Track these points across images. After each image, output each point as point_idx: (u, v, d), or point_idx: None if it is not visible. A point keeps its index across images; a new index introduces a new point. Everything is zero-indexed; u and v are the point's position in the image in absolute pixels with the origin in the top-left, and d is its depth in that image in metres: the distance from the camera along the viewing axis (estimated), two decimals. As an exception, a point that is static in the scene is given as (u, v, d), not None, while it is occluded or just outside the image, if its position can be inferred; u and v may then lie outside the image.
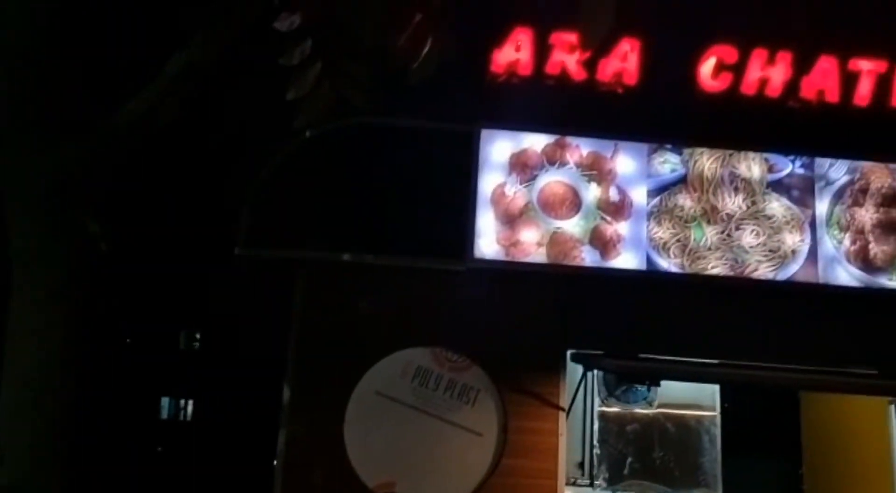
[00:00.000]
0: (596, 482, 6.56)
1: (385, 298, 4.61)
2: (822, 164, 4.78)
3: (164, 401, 24.32)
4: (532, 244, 4.54)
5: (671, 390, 6.73)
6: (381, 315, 4.62)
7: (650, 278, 4.60)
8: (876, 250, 4.65)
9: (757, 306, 4.64)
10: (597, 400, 6.73)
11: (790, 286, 4.59)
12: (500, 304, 4.66)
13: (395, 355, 4.61)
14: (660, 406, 6.77)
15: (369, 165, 4.59)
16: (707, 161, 4.74)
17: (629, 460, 6.63)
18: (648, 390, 6.87)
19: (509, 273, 4.58)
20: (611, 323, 4.66)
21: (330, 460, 4.41)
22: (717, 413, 6.66)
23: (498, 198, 4.57)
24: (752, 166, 4.74)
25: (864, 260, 4.64)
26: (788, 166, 4.76)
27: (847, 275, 4.63)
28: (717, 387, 6.88)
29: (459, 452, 4.53)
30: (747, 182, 4.72)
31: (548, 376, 4.66)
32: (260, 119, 4.61)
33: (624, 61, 4.82)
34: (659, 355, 4.68)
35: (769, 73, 4.86)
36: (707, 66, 4.87)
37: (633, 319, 4.66)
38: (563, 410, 4.63)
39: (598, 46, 4.35)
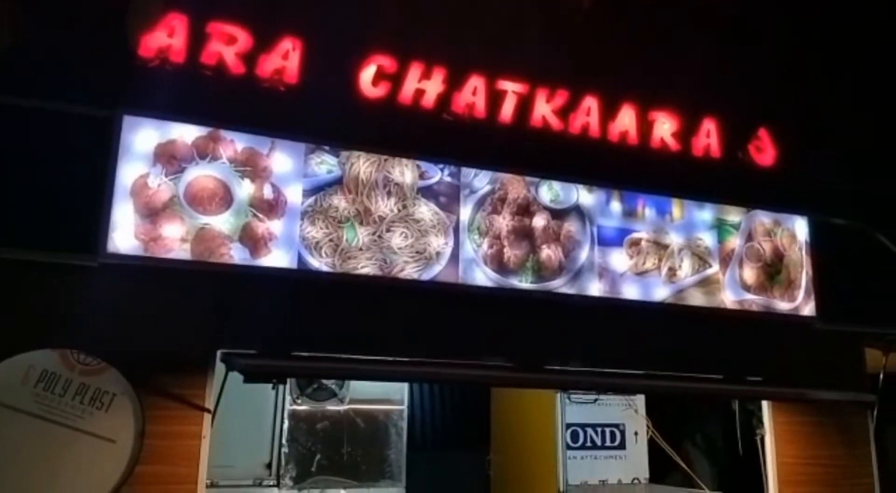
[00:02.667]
0: (283, 482, 6.53)
1: (2, 295, 4.14)
2: (468, 173, 5.17)
3: None
4: (175, 240, 4.34)
5: (361, 386, 6.92)
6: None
7: (301, 276, 4.63)
8: (509, 254, 5.13)
9: (404, 304, 4.88)
10: (288, 400, 6.71)
11: (433, 285, 4.90)
12: (142, 303, 4.40)
13: (14, 359, 4.13)
14: (351, 402, 6.93)
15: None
16: (363, 165, 4.90)
17: (318, 457, 6.70)
18: (341, 387, 7.01)
19: (151, 270, 4.34)
20: (264, 322, 4.62)
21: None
22: (404, 407, 6.96)
23: (139, 189, 4.32)
24: (405, 172, 4.99)
25: (498, 263, 5.10)
26: (438, 174, 5.09)
27: (483, 276, 5.04)
28: (405, 387, 7.22)
29: (88, 461, 4.18)
30: (400, 187, 4.96)
31: (193, 378, 4.48)
32: None
33: (285, 59, 4.82)
34: (313, 352, 4.73)
35: (425, 85, 5.17)
36: (367, 73, 5.04)
37: (286, 317, 4.66)
38: (208, 411, 4.49)
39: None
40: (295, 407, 6.66)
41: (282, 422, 6.64)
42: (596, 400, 6.33)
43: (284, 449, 6.59)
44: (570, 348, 5.29)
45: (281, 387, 6.76)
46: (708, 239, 5.72)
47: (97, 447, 4.22)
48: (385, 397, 6.92)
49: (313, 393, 6.84)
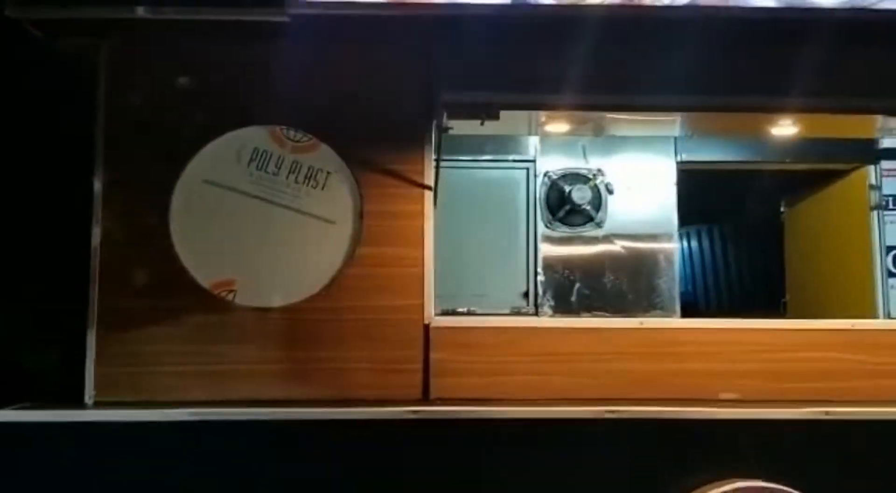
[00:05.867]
0: (541, 311, 5.96)
1: (205, 69, 3.87)
2: None
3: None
4: (367, -18, 3.70)
5: (621, 216, 5.97)
6: (204, 90, 3.88)
7: (518, 13, 3.74)
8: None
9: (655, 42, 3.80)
10: (540, 225, 6.04)
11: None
12: (345, 66, 3.90)
13: (227, 137, 3.88)
14: (611, 235, 6.04)
15: None
16: None
17: (577, 286, 6.00)
18: (597, 210, 6.10)
19: (347, 22, 3.75)
20: (479, 76, 3.89)
21: (155, 259, 3.79)
22: (674, 245, 5.91)
23: (322, -74, 3.70)
24: None
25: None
26: None
27: (765, -7, 3.70)
28: (674, 214, 6.06)
29: (308, 243, 3.88)
30: None
31: (409, 153, 3.93)
32: None
33: None
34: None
35: None
36: None
37: (503, 63, 3.90)
38: (429, 188, 3.91)
39: None
40: (548, 233, 5.97)
41: (535, 251, 6.01)
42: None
43: (541, 277, 5.95)
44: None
45: (531, 211, 6.07)
46: None
47: (317, 228, 3.88)
48: (649, 232, 5.90)
49: (565, 217, 6.06)
